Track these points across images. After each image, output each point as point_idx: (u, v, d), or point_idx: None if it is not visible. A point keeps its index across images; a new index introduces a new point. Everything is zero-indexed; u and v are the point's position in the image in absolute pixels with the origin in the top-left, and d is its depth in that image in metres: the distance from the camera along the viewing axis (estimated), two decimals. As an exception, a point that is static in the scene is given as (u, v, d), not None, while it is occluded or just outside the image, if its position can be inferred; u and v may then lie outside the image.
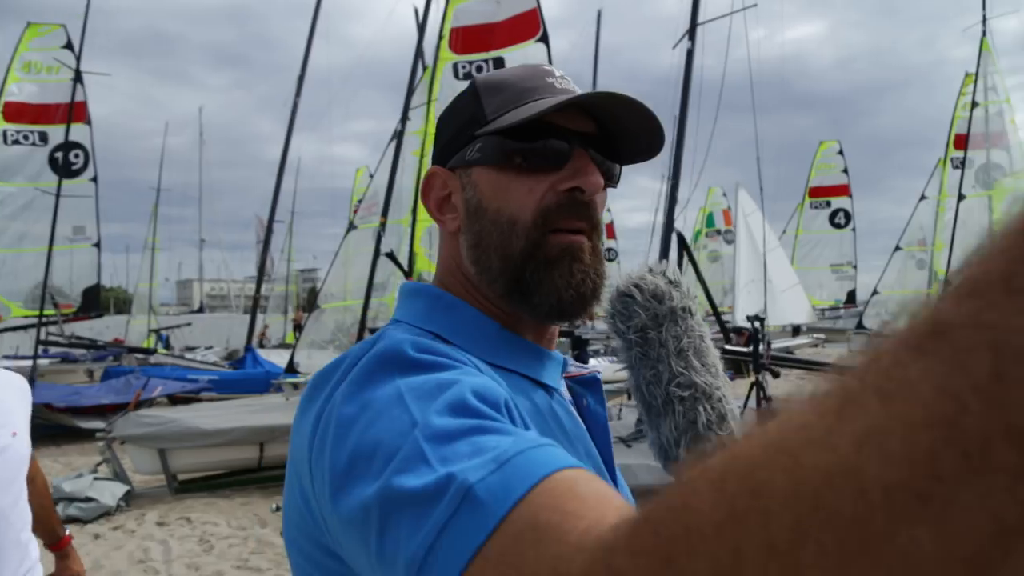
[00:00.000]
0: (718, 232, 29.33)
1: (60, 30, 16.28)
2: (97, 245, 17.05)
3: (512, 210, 0.82)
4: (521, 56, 8.78)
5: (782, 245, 18.85)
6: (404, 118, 9.76)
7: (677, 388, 0.75)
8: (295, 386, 9.94)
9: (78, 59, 15.80)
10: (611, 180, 0.88)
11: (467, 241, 0.86)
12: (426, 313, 0.84)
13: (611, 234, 29.79)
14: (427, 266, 9.50)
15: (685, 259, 6.82)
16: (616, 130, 0.86)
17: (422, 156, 9.44)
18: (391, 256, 8.27)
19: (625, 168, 0.91)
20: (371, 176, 12.12)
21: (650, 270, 0.87)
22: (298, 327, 17.65)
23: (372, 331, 9.40)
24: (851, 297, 28.11)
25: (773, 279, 14.10)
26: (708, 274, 29.60)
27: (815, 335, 22.36)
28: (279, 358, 13.99)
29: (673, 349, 0.77)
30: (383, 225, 9.07)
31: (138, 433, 7.23)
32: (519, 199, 0.82)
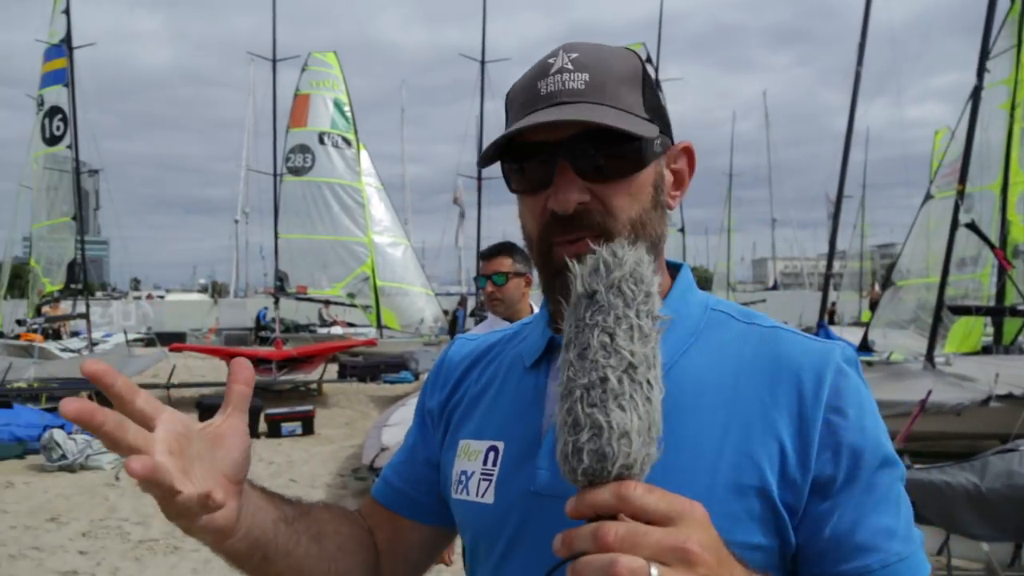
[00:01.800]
0: None
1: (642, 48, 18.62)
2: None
3: (528, 229, 0.91)
4: None
5: None
6: (981, 70, 8.40)
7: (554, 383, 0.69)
8: (869, 364, 9.64)
9: (656, 68, 17.85)
10: (621, 164, 0.85)
11: None
12: None
13: None
14: (1023, 236, 8.18)
15: None
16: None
17: (1013, 108, 8.11)
18: (972, 227, 7.36)
19: None
20: (951, 138, 10.89)
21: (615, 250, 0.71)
22: (874, 305, 16.89)
23: (952, 309, 8.55)
24: None
25: None
26: None
27: None
28: (852, 336, 13.67)
29: (563, 340, 0.68)
30: (961, 193, 8.03)
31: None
32: (528, 219, 0.91)
